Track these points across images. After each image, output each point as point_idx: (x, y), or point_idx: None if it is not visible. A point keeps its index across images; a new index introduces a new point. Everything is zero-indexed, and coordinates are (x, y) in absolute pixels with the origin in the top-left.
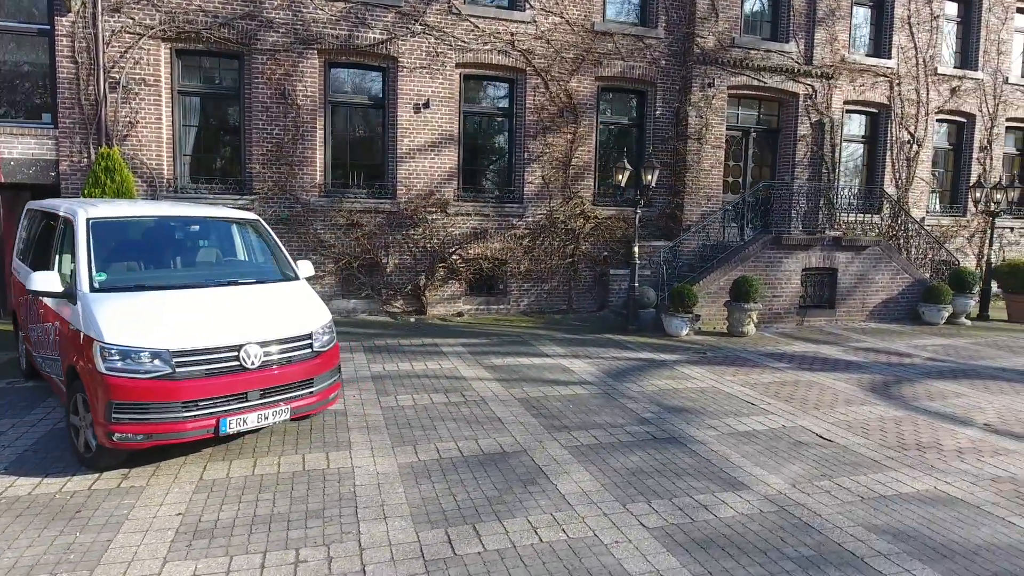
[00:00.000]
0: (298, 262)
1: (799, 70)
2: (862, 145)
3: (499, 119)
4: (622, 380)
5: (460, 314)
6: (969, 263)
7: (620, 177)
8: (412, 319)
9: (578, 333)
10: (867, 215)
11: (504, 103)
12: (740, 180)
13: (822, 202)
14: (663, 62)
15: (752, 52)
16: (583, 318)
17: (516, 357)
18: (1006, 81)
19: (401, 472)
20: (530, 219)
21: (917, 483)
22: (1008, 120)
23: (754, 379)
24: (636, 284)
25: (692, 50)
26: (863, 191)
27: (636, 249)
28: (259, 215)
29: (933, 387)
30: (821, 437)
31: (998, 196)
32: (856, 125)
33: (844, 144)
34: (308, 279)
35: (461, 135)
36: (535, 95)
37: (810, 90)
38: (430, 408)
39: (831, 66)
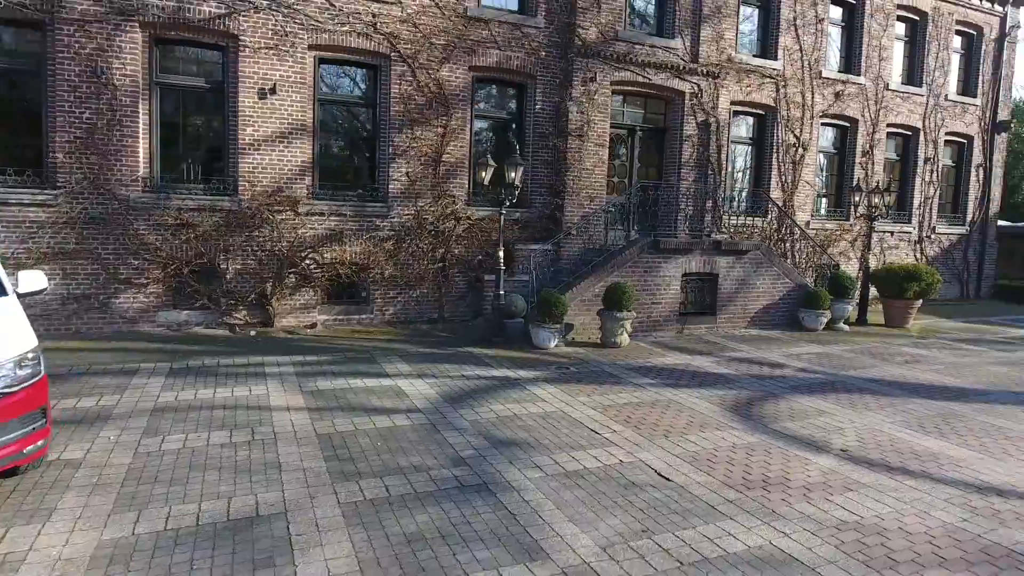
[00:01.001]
0: (22, 272)
1: (685, 68)
2: (749, 147)
3: (361, 109)
4: (460, 405)
5: (313, 325)
6: (853, 267)
7: (484, 174)
8: (253, 332)
9: (438, 346)
10: (754, 218)
11: (366, 92)
12: (626, 180)
13: (709, 204)
14: (543, 53)
15: (637, 47)
16: (454, 328)
17: (349, 378)
18: (887, 87)
19: (94, 557)
20: (396, 220)
21: (751, 536)
22: (889, 126)
23: (610, 400)
24: (502, 292)
25: (573, 42)
26: (749, 194)
27: (502, 253)
28: (67, 212)
29: (797, 404)
30: (660, 475)
31: (876, 200)
32: (743, 127)
33: (732, 145)
34: (29, 294)
35: (316, 126)
36: (401, 84)
37: (696, 89)
38: (199, 452)
39: (717, 65)
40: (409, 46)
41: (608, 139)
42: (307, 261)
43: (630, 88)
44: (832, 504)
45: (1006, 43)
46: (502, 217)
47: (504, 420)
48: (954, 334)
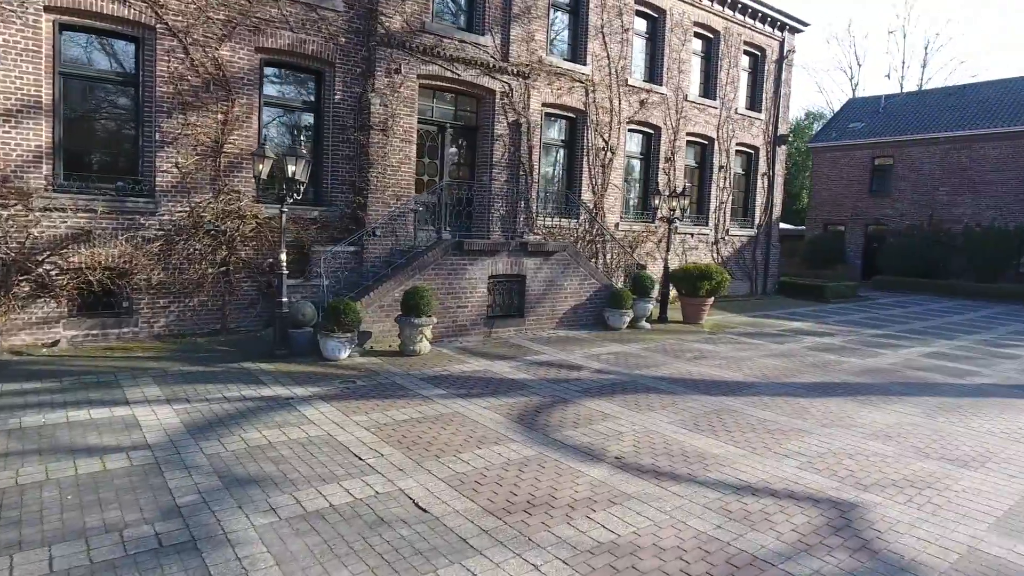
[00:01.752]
0: None
1: (495, 66)
2: (562, 149)
3: (121, 88)
4: (204, 436)
5: (55, 343)
6: (659, 267)
7: (261, 167)
8: None
9: (210, 363)
10: (566, 220)
11: (128, 68)
12: (437, 179)
13: (521, 205)
14: (343, 40)
15: (445, 41)
16: (238, 340)
17: (72, 410)
18: (686, 98)
19: None
20: (166, 218)
21: None
22: (688, 134)
23: (389, 417)
24: (285, 299)
25: (376, 30)
26: (561, 195)
27: (284, 255)
28: None
29: (586, 409)
30: (417, 506)
31: (674, 204)
32: (556, 129)
33: (545, 147)
34: None
35: (57, 103)
36: (171, 61)
37: (507, 88)
38: None
39: (528, 65)
40: (180, 18)
41: (416, 135)
42: (45, 266)
43: (440, 83)
44: (592, 523)
45: (784, 65)
46: (283, 216)
47: (253, 451)
48: (740, 328)
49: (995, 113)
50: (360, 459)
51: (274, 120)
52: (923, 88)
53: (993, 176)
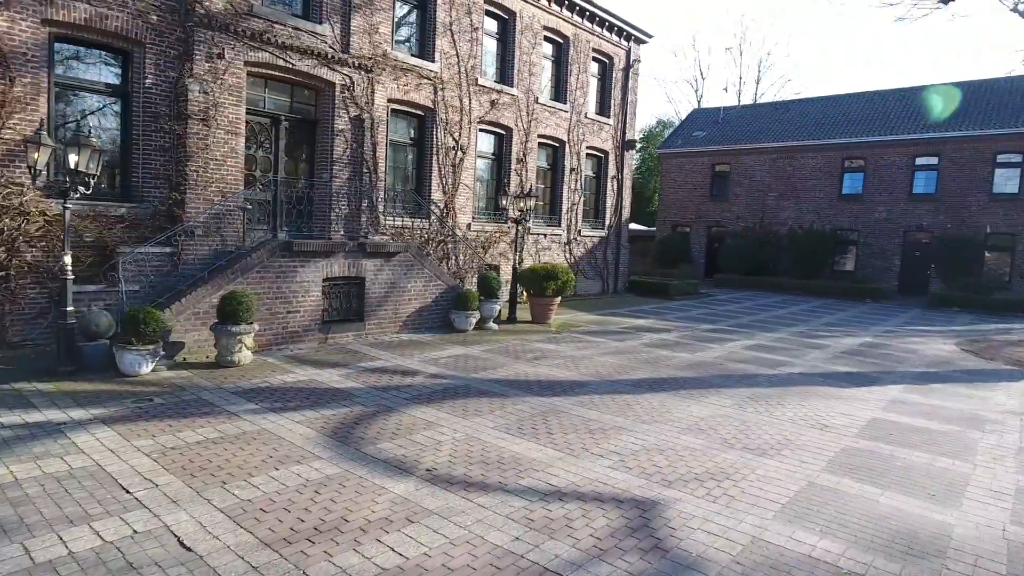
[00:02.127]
0: None
1: (335, 57)
2: (411, 147)
3: None
4: None
5: None
6: (511, 268)
7: (36, 156)
8: None
9: None
10: (415, 220)
11: None
12: (272, 175)
13: (365, 204)
14: (154, 17)
15: (277, 27)
16: (19, 356)
17: None
18: (537, 101)
19: None
20: None
21: None
22: (540, 136)
23: (179, 440)
24: (71, 308)
25: (195, 10)
26: (410, 195)
27: (68, 257)
28: None
29: (409, 417)
30: (182, 545)
31: (522, 204)
32: (404, 126)
33: (392, 145)
34: None
35: None
36: None
37: (348, 81)
38: None
39: (371, 58)
40: None
41: (245, 127)
42: None
43: (273, 73)
44: (381, 547)
45: (631, 73)
46: (67, 212)
47: None
48: (586, 327)
49: (813, 127)
50: (127, 492)
51: (70, 104)
52: (757, 102)
53: (812, 183)
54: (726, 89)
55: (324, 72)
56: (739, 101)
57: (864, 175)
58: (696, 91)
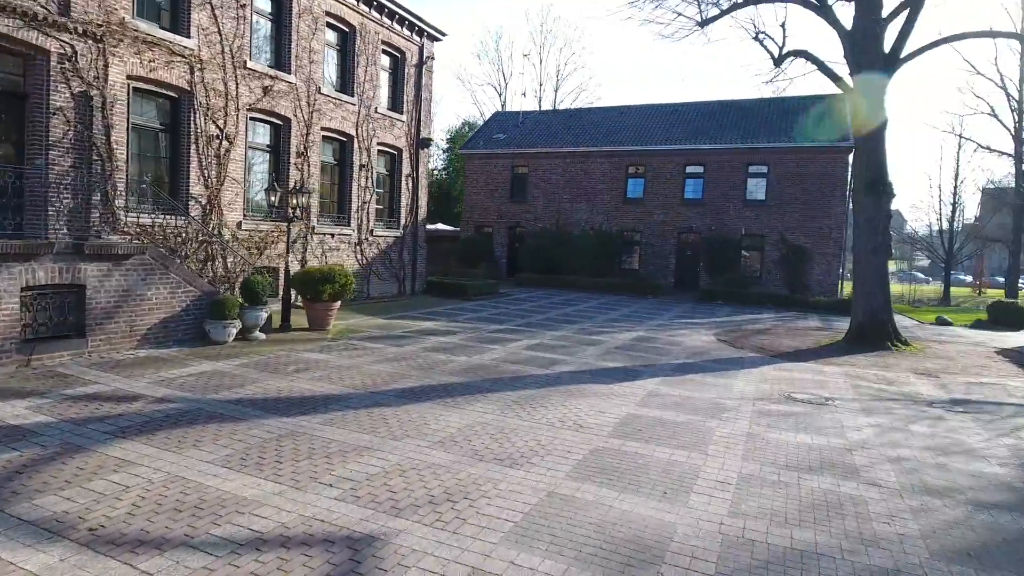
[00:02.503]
0: None
1: (50, 20)
2: (162, 134)
3: None
4: None
5: None
6: (294, 269)
7: None
8: None
9: None
10: (171, 217)
11: None
12: None
13: (97, 198)
14: None
15: None
16: None
17: None
18: (319, 91)
19: None
20: None
21: None
22: (324, 129)
23: None
24: None
25: None
26: (154, 188)
27: None
28: None
29: (99, 458)
30: None
31: (295, 201)
32: (152, 109)
33: (137, 130)
34: None
35: None
36: None
37: (70, 51)
38: None
39: (102, 25)
40: None
41: None
42: None
43: None
44: None
45: (424, 70)
46: None
47: None
48: (368, 332)
49: (602, 135)
50: None
51: None
52: (556, 108)
53: (602, 187)
54: (524, 94)
55: (34, 36)
56: (540, 106)
57: (645, 181)
58: (500, 95)
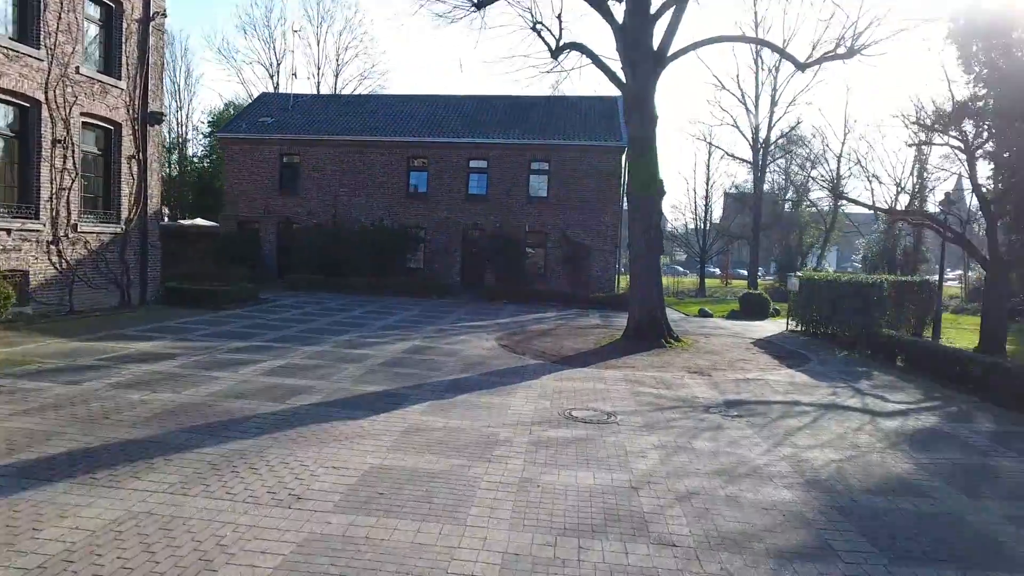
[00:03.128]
0: None
1: None
2: None
3: None
4: None
5: None
6: None
7: None
8: None
9: None
10: None
11: None
12: None
13: None
14: None
15: None
16: None
17: None
18: (78, 70)
19: None
20: None
21: None
22: (85, 115)
23: None
24: None
25: None
26: None
27: None
28: None
29: None
30: None
31: None
32: None
33: None
34: None
35: None
36: None
37: None
38: None
39: None
40: None
41: None
42: None
43: None
44: None
45: (152, 28)
46: None
47: None
48: (39, 364)
49: (382, 124)
50: None
51: None
52: (337, 93)
53: (383, 180)
54: (295, 75)
55: None
56: (318, 90)
57: (428, 174)
58: (272, 77)
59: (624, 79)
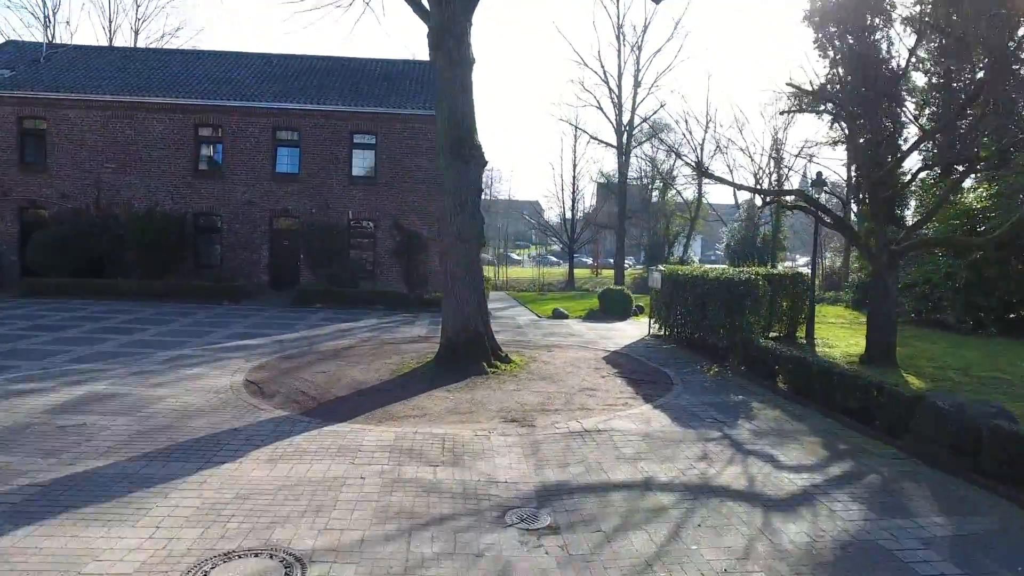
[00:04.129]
0: None
1: None
2: None
3: None
4: None
5: None
6: None
7: None
8: None
9: None
10: None
11: None
12: None
13: None
14: None
15: None
16: None
17: None
18: None
19: None
20: None
21: None
22: None
23: None
24: None
25: None
26: None
27: None
28: None
29: None
30: None
31: None
32: None
33: None
34: None
35: None
36: None
37: None
38: None
39: None
40: None
41: None
42: None
43: None
44: None
45: None
46: None
47: None
48: None
49: (162, 83)
50: None
51: None
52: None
53: (163, 153)
54: (68, 22)
55: None
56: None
57: (223, 147)
58: (48, 27)
59: (428, 6)
